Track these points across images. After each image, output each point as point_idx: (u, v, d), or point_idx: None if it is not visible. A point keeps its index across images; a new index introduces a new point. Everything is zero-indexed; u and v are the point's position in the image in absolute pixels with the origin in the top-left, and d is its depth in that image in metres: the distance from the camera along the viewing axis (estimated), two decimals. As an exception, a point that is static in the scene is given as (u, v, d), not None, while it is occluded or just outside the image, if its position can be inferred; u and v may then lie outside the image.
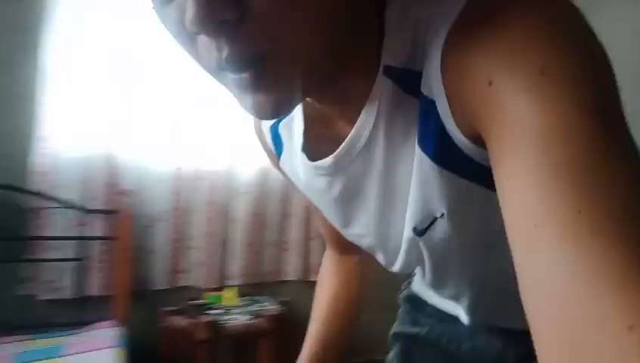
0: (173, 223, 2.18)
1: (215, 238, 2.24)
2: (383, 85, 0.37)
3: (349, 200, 0.47)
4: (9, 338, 1.71)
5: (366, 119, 0.39)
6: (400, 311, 0.84)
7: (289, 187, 2.29)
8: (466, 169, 0.36)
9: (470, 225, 0.42)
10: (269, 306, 1.99)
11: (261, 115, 0.34)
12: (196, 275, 2.21)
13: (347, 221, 0.51)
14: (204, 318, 1.75)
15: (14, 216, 1.92)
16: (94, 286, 2.01)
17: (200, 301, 2.00)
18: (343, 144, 0.41)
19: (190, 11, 0.27)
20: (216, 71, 0.33)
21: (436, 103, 0.34)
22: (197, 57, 0.33)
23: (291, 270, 2.40)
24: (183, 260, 2.22)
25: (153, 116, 2.18)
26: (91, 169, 2.05)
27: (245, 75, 0.31)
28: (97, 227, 2.04)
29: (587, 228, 0.22)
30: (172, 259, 2.18)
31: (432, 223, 0.41)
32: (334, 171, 0.45)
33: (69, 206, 1.97)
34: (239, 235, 2.28)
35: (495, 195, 0.28)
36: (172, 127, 2.20)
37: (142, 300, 2.07)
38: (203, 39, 0.31)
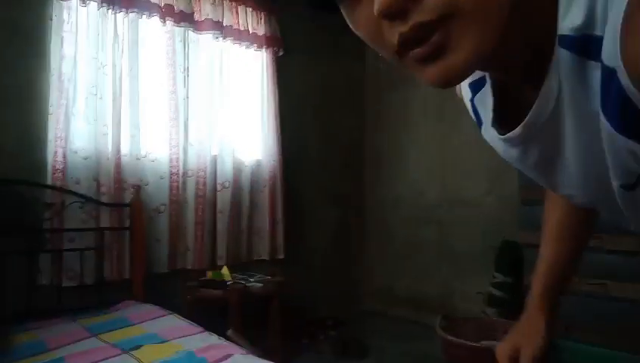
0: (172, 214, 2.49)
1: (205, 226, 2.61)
2: (561, 53, 0.37)
3: (546, 166, 0.48)
4: (58, 318, 1.88)
5: (549, 89, 0.39)
6: None
7: (255, 182, 2.82)
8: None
9: None
10: (262, 278, 2.47)
11: (439, 84, 0.35)
12: (191, 258, 2.55)
13: (553, 185, 0.51)
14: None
15: (35, 210, 2.02)
16: (112, 272, 2.22)
17: (205, 278, 2.37)
18: (529, 114, 0.41)
19: (376, 3, 0.32)
20: (401, 53, 0.35)
21: (617, 71, 0.32)
22: (385, 46, 0.36)
23: (262, 251, 2.89)
24: (179, 246, 2.54)
25: (153, 116, 2.46)
26: (100, 166, 2.24)
27: (425, 47, 0.33)
28: (106, 219, 2.24)
29: None
30: (170, 245, 2.48)
31: (638, 179, 0.39)
32: (525, 140, 0.45)
33: (85, 199, 2.14)
34: (223, 224, 2.69)
35: None
36: (171, 126, 2.50)
37: (150, 282, 2.34)
38: (390, 26, 0.34)
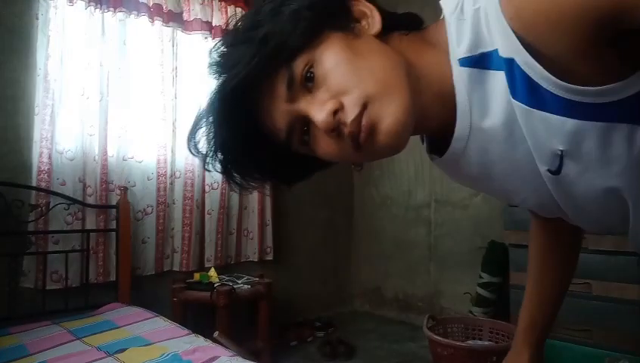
0: (159, 216, 2.47)
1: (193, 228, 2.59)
2: (462, 74, 0.45)
3: (487, 176, 0.53)
4: (41, 322, 1.86)
5: (462, 110, 0.47)
6: None
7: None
8: (557, 105, 0.40)
9: (591, 161, 0.43)
10: (250, 279, 2.46)
11: (391, 148, 0.47)
12: (178, 260, 2.54)
13: (505, 196, 0.57)
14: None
15: (19, 212, 1.99)
16: (97, 274, 2.20)
17: (192, 279, 2.36)
18: (454, 134, 0.49)
19: (321, 128, 0.48)
20: (356, 147, 0.47)
21: (515, 59, 0.39)
22: (345, 151, 0.49)
23: (251, 252, 2.88)
24: (166, 247, 2.52)
25: (141, 117, 2.44)
26: (86, 167, 2.22)
27: (363, 131, 0.46)
28: (92, 220, 2.22)
29: None
30: (157, 247, 2.46)
31: (561, 162, 0.43)
32: (459, 157, 0.51)
33: (71, 201, 2.12)
34: (211, 225, 2.68)
35: (607, 128, 0.38)
36: (156, 128, 2.48)
37: (136, 284, 2.32)
38: (338, 139, 0.49)
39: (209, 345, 1.55)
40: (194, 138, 0.56)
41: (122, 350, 1.51)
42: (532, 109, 0.42)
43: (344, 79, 0.47)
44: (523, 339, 0.79)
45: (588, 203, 0.49)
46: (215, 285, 2.23)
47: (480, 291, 2.55)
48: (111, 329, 1.78)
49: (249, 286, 2.32)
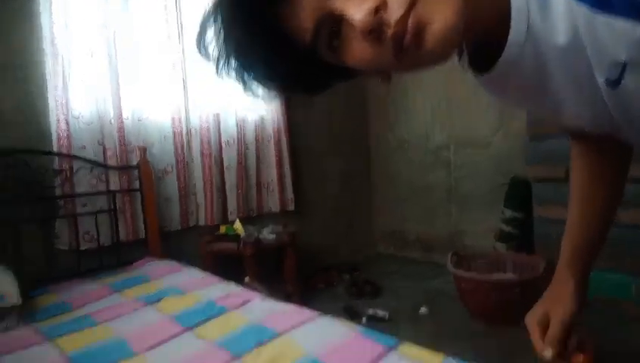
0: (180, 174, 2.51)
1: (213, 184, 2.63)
2: None
3: (541, 89, 0.48)
4: (79, 280, 1.95)
5: (519, 8, 0.43)
6: None
7: (259, 137, 2.80)
8: (626, 7, 0.36)
9: None
10: (275, 229, 2.52)
11: (437, 51, 0.42)
12: (202, 215, 2.60)
13: (555, 111, 0.51)
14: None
15: (45, 178, 2.05)
16: (127, 233, 2.28)
17: (219, 232, 2.43)
18: (510, 37, 0.44)
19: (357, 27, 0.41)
20: (397, 53, 0.42)
21: None
22: (383, 59, 0.43)
23: (272, 204, 2.93)
24: (190, 204, 2.57)
25: (151, 76, 2.42)
26: (104, 130, 2.24)
27: (408, 34, 0.40)
28: (115, 181, 2.27)
29: None
30: (181, 203, 2.52)
31: (622, 72, 0.40)
32: (510, 67, 0.47)
33: (93, 164, 2.16)
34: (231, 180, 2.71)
35: None
36: (170, 86, 2.47)
37: (164, 240, 2.39)
38: (378, 43, 0.42)
39: (241, 291, 1.62)
40: (204, 41, 0.49)
41: (159, 299, 1.59)
42: (595, 14, 0.38)
43: None
44: (567, 270, 0.73)
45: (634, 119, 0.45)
46: (242, 236, 2.29)
47: (503, 227, 2.56)
48: (146, 282, 1.86)
49: (274, 236, 2.38)
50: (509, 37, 0.45)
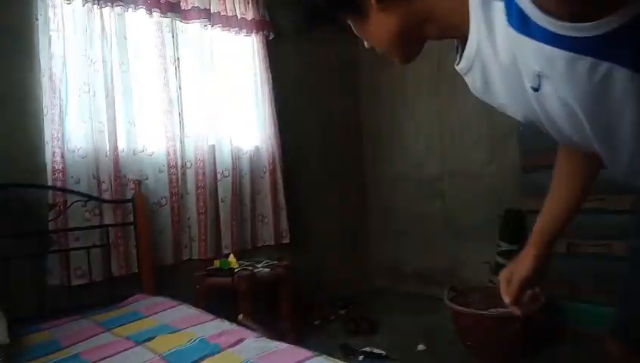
0: (173, 207, 2.50)
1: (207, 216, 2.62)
2: (473, 8, 0.56)
3: (490, 91, 0.65)
4: (70, 317, 1.90)
5: (474, 26, 0.57)
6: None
7: (254, 168, 2.81)
8: (539, 34, 0.50)
9: (561, 83, 0.53)
10: (269, 263, 2.49)
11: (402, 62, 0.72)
12: (196, 248, 2.57)
13: (502, 109, 0.69)
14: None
15: (38, 212, 2.03)
16: (120, 267, 2.24)
17: (212, 267, 2.39)
18: (464, 52, 0.62)
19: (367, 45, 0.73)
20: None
21: None
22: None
23: (267, 237, 2.91)
24: (184, 237, 2.55)
25: (147, 110, 2.45)
26: (99, 163, 2.24)
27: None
28: (109, 215, 2.25)
29: None
30: (174, 237, 2.49)
31: (540, 81, 0.54)
32: (468, 71, 0.64)
33: (87, 198, 2.15)
34: (226, 213, 2.69)
35: (581, 62, 0.48)
36: (163, 120, 2.49)
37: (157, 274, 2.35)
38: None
39: (235, 329, 1.58)
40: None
41: (151, 338, 1.55)
42: (520, 35, 0.52)
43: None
44: (534, 239, 0.91)
45: (557, 118, 0.60)
46: (236, 270, 2.26)
47: (500, 260, 2.55)
48: (138, 319, 1.82)
49: (268, 270, 2.35)
50: (464, 52, 0.62)
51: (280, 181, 2.95)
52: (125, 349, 1.49)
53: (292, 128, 3.11)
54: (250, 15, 2.88)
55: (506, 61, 0.57)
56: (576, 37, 0.48)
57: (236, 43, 2.86)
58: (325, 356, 1.28)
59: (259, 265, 2.43)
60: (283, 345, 1.39)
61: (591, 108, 0.55)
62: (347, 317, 2.74)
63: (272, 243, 2.90)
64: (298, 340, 2.38)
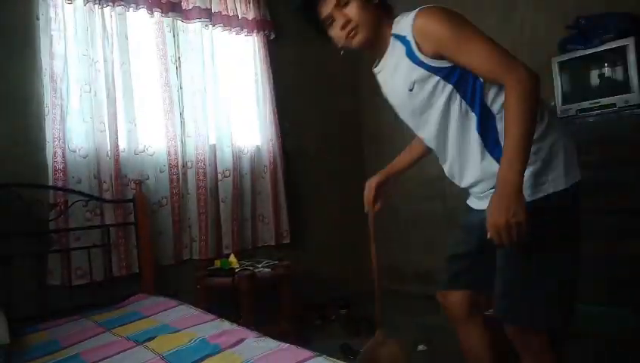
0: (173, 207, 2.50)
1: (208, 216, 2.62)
2: (393, 41, 1.18)
3: (389, 96, 1.30)
4: (70, 317, 1.91)
5: (389, 51, 1.20)
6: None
7: (255, 168, 2.81)
8: (422, 65, 1.11)
9: (421, 89, 1.13)
10: (270, 263, 2.49)
11: (355, 46, 1.20)
12: (197, 248, 2.57)
13: (392, 100, 1.30)
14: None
15: (39, 212, 2.03)
16: (120, 267, 2.24)
17: (213, 267, 2.39)
18: (382, 61, 1.25)
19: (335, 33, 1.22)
20: (345, 37, 1.19)
21: (409, 39, 1.12)
22: (340, 37, 1.21)
23: (268, 237, 2.91)
24: (184, 237, 2.55)
25: (148, 110, 2.45)
26: (100, 163, 2.24)
27: (349, 34, 1.19)
28: (110, 215, 2.25)
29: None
30: (175, 237, 2.49)
31: (413, 85, 1.14)
32: (380, 70, 1.27)
33: (88, 197, 2.15)
34: (226, 213, 2.69)
35: (434, 78, 1.11)
36: (164, 119, 2.49)
37: (158, 274, 2.36)
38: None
39: (235, 329, 1.58)
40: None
41: (151, 338, 1.55)
42: (410, 61, 1.13)
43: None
44: (382, 171, 1.64)
45: (417, 114, 1.22)
46: (237, 270, 2.26)
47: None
48: (139, 319, 1.82)
49: (269, 270, 2.35)
50: (380, 62, 1.27)
51: (281, 181, 2.95)
52: (126, 349, 1.49)
53: (293, 127, 3.11)
54: (250, 15, 2.88)
55: (396, 76, 1.19)
56: (433, 65, 1.10)
57: (237, 43, 2.86)
58: (325, 356, 1.27)
59: (260, 265, 2.43)
60: (283, 345, 1.39)
61: (426, 111, 1.18)
62: (347, 317, 2.74)
63: (273, 243, 2.90)
64: (298, 340, 2.39)
